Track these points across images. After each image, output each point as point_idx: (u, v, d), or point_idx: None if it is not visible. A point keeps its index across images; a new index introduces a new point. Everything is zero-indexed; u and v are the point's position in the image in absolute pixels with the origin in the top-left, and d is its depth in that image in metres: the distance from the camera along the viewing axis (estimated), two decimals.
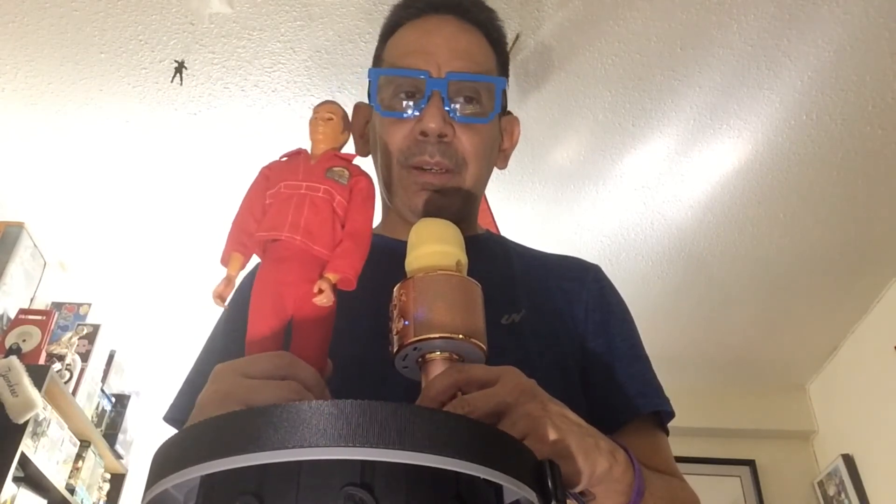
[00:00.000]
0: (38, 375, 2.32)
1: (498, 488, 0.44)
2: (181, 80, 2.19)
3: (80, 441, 2.78)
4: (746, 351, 3.38)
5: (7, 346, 2.44)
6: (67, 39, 2.14)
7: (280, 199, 0.65)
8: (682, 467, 0.81)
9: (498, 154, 0.94)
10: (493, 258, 0.91)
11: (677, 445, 0.84)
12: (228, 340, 0.81)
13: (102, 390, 3.01)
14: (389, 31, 0.93)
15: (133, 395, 3.26)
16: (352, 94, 2.24)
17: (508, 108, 0.97)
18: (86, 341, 2.82)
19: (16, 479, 2.30)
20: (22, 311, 2.59)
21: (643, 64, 2.14)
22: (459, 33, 0.88)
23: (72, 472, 2.71)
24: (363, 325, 0.73)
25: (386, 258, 0.70)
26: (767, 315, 3.14)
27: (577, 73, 2.19)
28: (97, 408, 2.96)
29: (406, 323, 0.60)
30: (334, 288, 0.62)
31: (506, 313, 0.81)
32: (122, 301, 3.25)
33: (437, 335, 0.59)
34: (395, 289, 0.63)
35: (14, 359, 2.27)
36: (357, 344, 0.73)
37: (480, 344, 0.60)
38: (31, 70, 2.24)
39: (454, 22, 0.89)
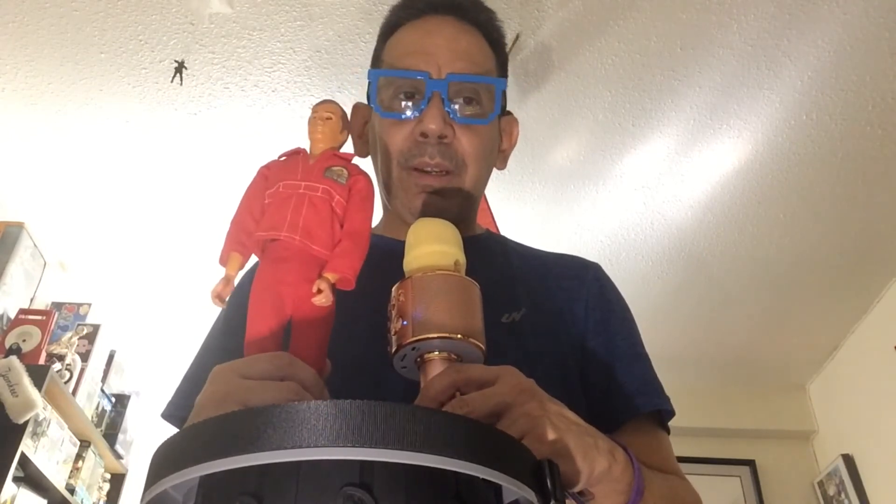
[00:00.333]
0: (38, 375, 2.32)
1: (497, 488, 0.44)
2: (181, 80, 2.19)
3: (80, 441, 2.78)
4: (746, 351, 3.38)
5: (7, 346, 2.44)
6: (67, 39, 2.14)
7: (279, 198, 0.65)
8: (682, 467, 0.81)
9: (497, 155, 0.94)
10: (492, 257, 0.91)
11: (677, 445, 0.84)
12: (227, 339, 0.81)
13: (102, 390, 3.01)
14: (389, 31, 0.93)
15: (133, 395, 3.26)
16: (352, 94, 2.24)
17: (508, 108, 0.97)
18: (86, 341, 2.82)
19: (16, 479, 2.30)
20: (22, 311, 2.59)
21: (643, 64, 2.14)
22: (459, 34, 0.88)
23: (72, 472, 2.71)
24: (362, 325, 0.73)
25: (385, 258, 0.70)
26: (767, 315, 3.14)
27: (577, 73, 2.19)
28: (97, 408, 2.96)
29: (404, 323, 0.60)
30: (333, 288, 0.62)
31: (506, 312, 0.81)
32: (122, 301, 3.25)
33: (435, 335, 0.59)
34: (393, 289, 0.63)
35: (14, 359, 2.27)
36: (356, 344, 0.73)
37: (479, 344, 0.60)
38: (31, 70, 2.24)
39: (454, 23, 0.89)
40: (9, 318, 2.59)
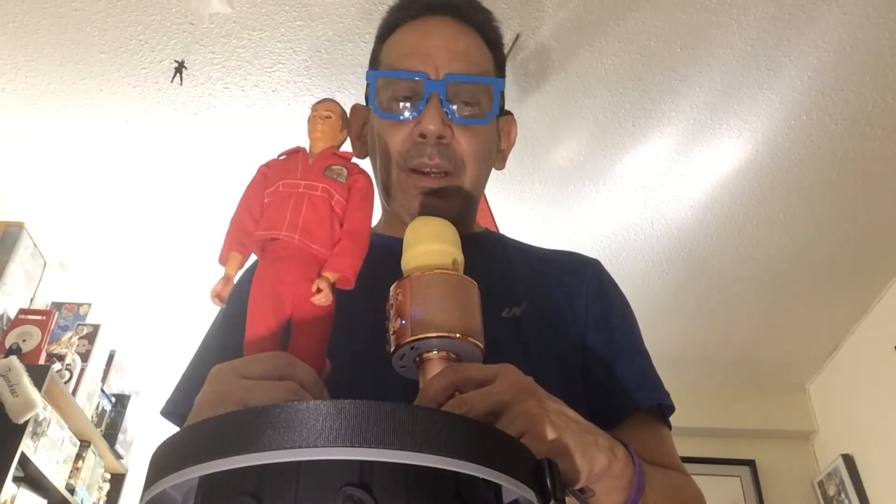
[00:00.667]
0: (38, 375, 2.32)
1: (497, 488, 0.44)
2: (181, 80, 2.19)
3: (80, 441, 2.78)
4: (746, 351, 3.38)
5: (7, 346, 2.44)
6: (67, 39, 2.14)
7: (278, 197, 0.65)
8: None
9: (496, 155, 0.94)
10: (492, 254, 0.91)
11: (677, 445, 0.84)
12: (226, 338, 0.81)
13: (102, 390, 3.01)
14: (387, 32, 0.93)
15: (133, 395, 3.26)
16: (351, 94, 2.24)
17: (508, 108, 0.97)
18: (86, 341, 2.82)
19: (16, 479, 2.30)
20: (22, 311, 2.59)
21: (643, 64, 2.14)
22: (457, 35, 0.88)
23: (72, 472, 2.71)
24: (362, 325, 0.73)
25: (385, 257, 0.70)
26: (767, 315, 3.14)
27: (577, 73, 2.18)
28: (97, 408, 2.96)
29: (403, 322, 0.60)
30: (333, 287, 0.62)
31: (506, 307, 0.81)
32: (122, 301, 3.25)
33: (433, 334, 0.59)
34: (391, 288, 0.63)
35: (14, 359, 2.27)
36: (356, 343, 0.73)
37: (478, 343, 0.60)
38: (31, 70, 2.24)
39: (452, 23, 0.89)
40: (9, 318, 2.59)
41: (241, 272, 0.67)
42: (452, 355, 0.60)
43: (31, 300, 2.85)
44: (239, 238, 0.65)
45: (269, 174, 0.68)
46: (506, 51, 0.98)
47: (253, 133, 2.41)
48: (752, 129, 2.32)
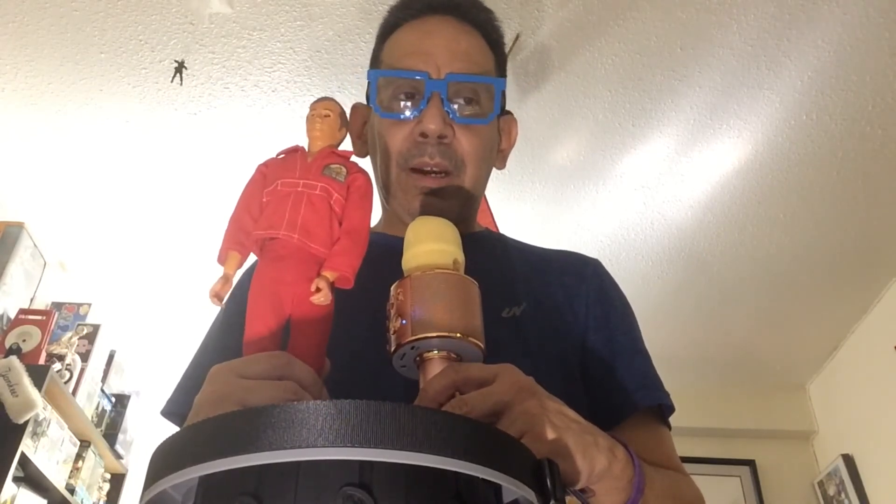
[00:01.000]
0: (38, 375, 2.32)
1: (497, 487, 0.44)
2: (181, 80, 2.19)
3: (80, 441, 2.78)
4: (746, 351, 3.38)
5: (7, 346, 2.44)
6: (67, 39, 2.14)
7: (277, 196, 0.65)
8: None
9: (497, 154, 0.94)
10: (492, 254, 0.91)
11: (677, 445, 0.84)
12: (226, 338, 0.81)
13: (102, 390, 3.01)
14: (388, 31, 0.93)
15: (133, 395, 3.26)
16: (352, 94, 2.24)
17: (508, 108, 0.97)
18: (86, 341, 2.82)
19: (16, 479, 2.30)
20: (22, 311, 2.59)
21: (643, 64, 2.14)
22: (458, 34, 0.88)
23: (72, 472, 2.71)
24: (361, 324, 0.73)
25: (385, 256, 0.70)
26: (767, 315, 3.14)
27: (577, 73, 2.18)
28: (97, 408, 2.96)
29: (403, 322, 0.60)
30: (332, 286, 0.62)
31: (507, 307, 0.81)
32: (122, 301, 3.25)
33: (434, 334, 0.58)
34: (392, 288, 0.63)
35: (14, 359, 2.27)
36: (355, 342, 0.73)
37: (478, 343, 0.60)
38: (31, 70, 2.24)
39: (453, 23, 0.89)
40: (9, 318, 2.59)
41: (240, 272, 0.67)
42: (453, 355, 0.60)
43: (31, 300, 2.85)
44: (238, 237, 0.65)
45: (267, 173, 0.68)
46: (506, 51, 0.98)
47: (253, 133, 2.41)
48: (752, 129, 2.32)
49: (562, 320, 0.84)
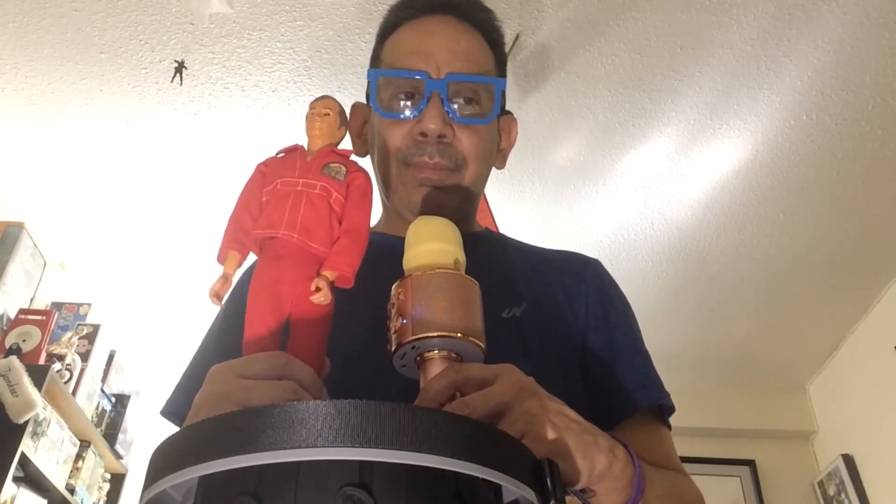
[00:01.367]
0: (38, 375, 2.32)
1: (497, 488, 0.44)
2: (181, 80, 2.19)
3: (80, 441, 2.78)
4: (746, 351, 3.38)
5: (7, 346, 2.44)
6: (67, 39, 2.14)
7: (277, 196, 0.65)
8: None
9: (496, 154, 0.94)
10: (492, 253, 0.91)
11: (677, 445, 0.84)
12: (226, 337, 0.81)
13: (102, 390, 3.01)
14: (388, 31, 0.93)
15: (133, 395, 3.26)
16: (352, 94, 2.24)
17: (508, 108, 0.97)
18: (86, 341, 2.82)
19: (16, 479, 2.30)
20: (22, 311, 2.59)
21: (643, 64, 2.14)
22: (459, 34, 0.88)
23: (72, 472, 2.71)
24: (361, 324, 0.73)
25: (385, 255, 0.70)
26: (767, 315, 3.14)
27: (577, 73, 2.18)
28: (97, 408, 2.96)
29: (404, 321, 0.60)
30: (332, 286, 0.61)
31: (507, 307, 0.81)
32: (122, 301, 3.25)
33: (435, 334, 0.58)
34: (392, 287, 0.63)
35: (14, 359, 2.26)
36: (355, 342, 0.73)
37: (479, 342, 0.60)
38: (31, 70, 2.24)
39: (453, 22, 0.89)
40: (9, 318, 2.59)
41: (240, 271, 0.67)
42: (453, 355, 0.60)
43: (31, 300, 2.85)
44: (237, 237, 0.65)
45: (267, 172, 0.68)
46: (506, 51, 0.98)
47: (253, 133, 2.41)
48: (752, 129, 2.32)
49: (562, 320, 0.84)
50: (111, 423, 3.11)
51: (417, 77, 0.83)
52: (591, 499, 0.60)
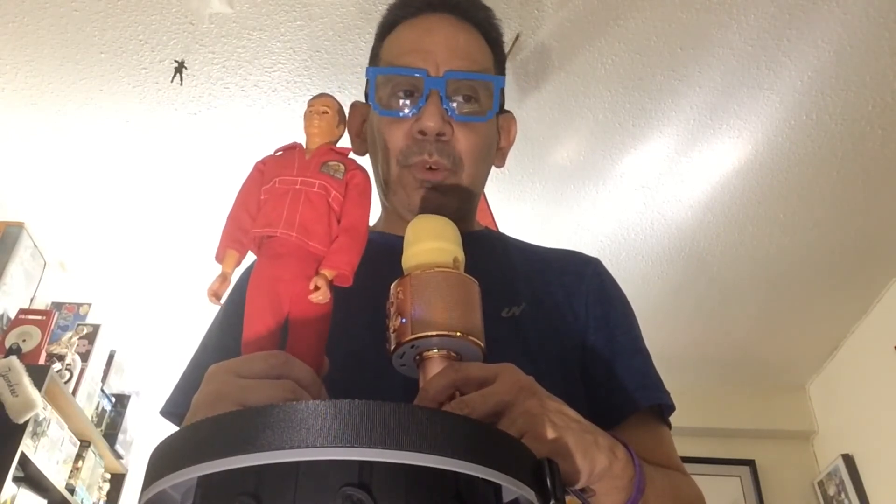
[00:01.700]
0: (38, 375, 2.32)
1: (497, 487, 0.44)
2: (181, 80, 2.18)
3: (80, 441, 2.78)
4: (746, 351, 3.38)
5: (7, 346, 2.44)
6: (67, 39, 2.13)
7: (275, 194, 0.64)
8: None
9: (496, 153, 0.94)
10: (492, 253, 0.91)
11: (677, 445, 0.83)
12: (225, 337, 0.81)
13: (102, 390, 3.01)
14: (387, 29, 0.93)
15: (133, 395, 3.26)
16: (351, 94, 2.24)
17: (508, 108, 0.97)
18: (86, 341, 2.82)
19: (16, 479, 2.30)
20: (22, 311, 2.59)
21: (643, 64, 2.14)
22: (457, 32, 0.88)
23: (72, 472, 2.70)
24: (361, 322, 0.73)
25: (384, 254, 0.70)
26: (767, 315, 3.14)
27: (577, 73, 2.18)
28: (97, 408, 2.96)
29: (403, 321, 0.59)
30: (330, 284, 0.61)
31: (506, 306, 0.81)
32: (122, 301, 3.25)
33: (434, 333, 0.58)
34: (392, 286, 0.63)
35: (14, 359, 2.26)
36: (354, 341, 0.73)
37: (478, 342, 0.60)
38: (31, 70, 2.24)
39: (452, 21, 0.89)
40: (9, 318, 2.59)
41: (239, 271, 0.66)
42: (453, 354, 0.60)
43: (31, 300, 2.85)
44: (236, 235, 0.65)
45: (265, 170, 0.68)
46: (506, 51, 0.98)
47: (253, 133, 2.41)
48: (752, 129, 2.32)
49: (562, 320, 0.84)
50: (111, 423, 3.11)
51: (416, 75, 0.83)
52: (592, 498, 0.60)
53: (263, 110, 2.34)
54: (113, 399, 3.14)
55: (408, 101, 0.84)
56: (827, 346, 3.33)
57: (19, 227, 2.77)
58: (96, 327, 2.88)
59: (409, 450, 0.38)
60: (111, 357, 3.16)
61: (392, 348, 0.60)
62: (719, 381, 3.59)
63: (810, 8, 1.95)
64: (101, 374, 3.00)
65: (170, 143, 2.47)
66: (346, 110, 0.75)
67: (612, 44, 2.09)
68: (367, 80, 0.89)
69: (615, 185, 2.58)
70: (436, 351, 0.59)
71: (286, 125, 2.37)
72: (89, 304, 2.98)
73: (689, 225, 2.71)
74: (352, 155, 0.71)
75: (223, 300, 0.64)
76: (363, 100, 0.93)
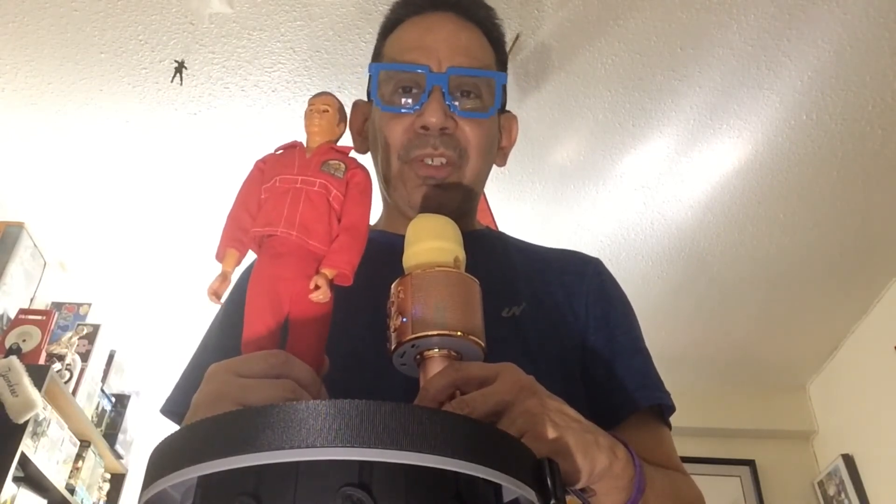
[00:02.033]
0: (38, 375, 2.32)
1: (497, 487, 0.43)
2: (181, 80, 2.18)
3: (80, 441, 2.77)
4: (746, 351, 3.38)
5: (7, 346, 2.44)
6: (67, 39, 2.13)
7: (275, 193, 0.64)
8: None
9: (497, 152, 0.94)
10: (492, 252, 0.91)
11: (677, 445, 0.83)
12: (225, 336, 0.81)
13: (102, 390, 3.01)
14: (389, 27, 0.93)
15: (133, 395, 3.26)
16: (352, 94, 2.24)
17: (508, 108, 0.97)
18: (86, 341, 2.82)
19: (16, 479, 2.30)
20: (22, 311, 2.58)
21: (643, 64, 2.14)
22: (459, 30, 0.88)
23: (72, 472, 2.70)
24: (361, 322, 0.73)
25: (385, 253, 0.70)
26: (767, 315, 3.14)
27: (577, 73, 2.18)
28: (97, 408, 2.95)
29: (404, 320, 0.59)
30: (331, 284, 0.61)
31: (506, 306, 0.81)
32: (122, 301, 3.25)
33: (434, 332, 0.58)
34: (392, 285, 0.63)
35: (14, 359, 2.26)
36: (355, 340, 0.73)
37: (479, 341, 0.60)
38: (31, 70, 2.24)
39: (454, 19, 0.89)
40: (9, 318, 2.59)
41: (239, 270, 0.66)
42: (453, 353, 0.60)
43: (31, 300, 2.85)
44: (236, 235, 0.65)
45: (265, 169, 0.68)
46: (506, 50, 0.98)
47: (253, 133, 2.41)
48: (752, 129, 2.32)
49: (562, 320, 0.84)
50: (111, 423, 3.11)
51: (419, 71, 0.83)
52: (592, 498, 0.60)
53: (263, 110, 2.34)
54: (113, 399, 3.14)
55: (410, 97, 0.84)
56: (827, 346, 3.33)
57: (19, 227, 2.77)
58: (96, 327, 2.88)
59: (409, 450, 0.38)
60: (111, 357, 3.16)
61: (393, 347, 0.60)
62: (719, 381, 3.59)
63: (810, 8, 1.95)
64: (101, 374, 3.00)
65: (170, 143, 2.47)
66: (347, 111, 0.75)
67: (612, 44, 2.09)
68: (370, 77, 0.89)
69: (615, 185, 2.58)
70: (436, 350, 0.59)
71: (286, 125, 2.37)
72: (89, 304, 2.98)
73: (689, 225, 2.71)
74: (353, 153, 0.70)
75: (223, 299, 0.64)
76: (364, 99, 0.93)
